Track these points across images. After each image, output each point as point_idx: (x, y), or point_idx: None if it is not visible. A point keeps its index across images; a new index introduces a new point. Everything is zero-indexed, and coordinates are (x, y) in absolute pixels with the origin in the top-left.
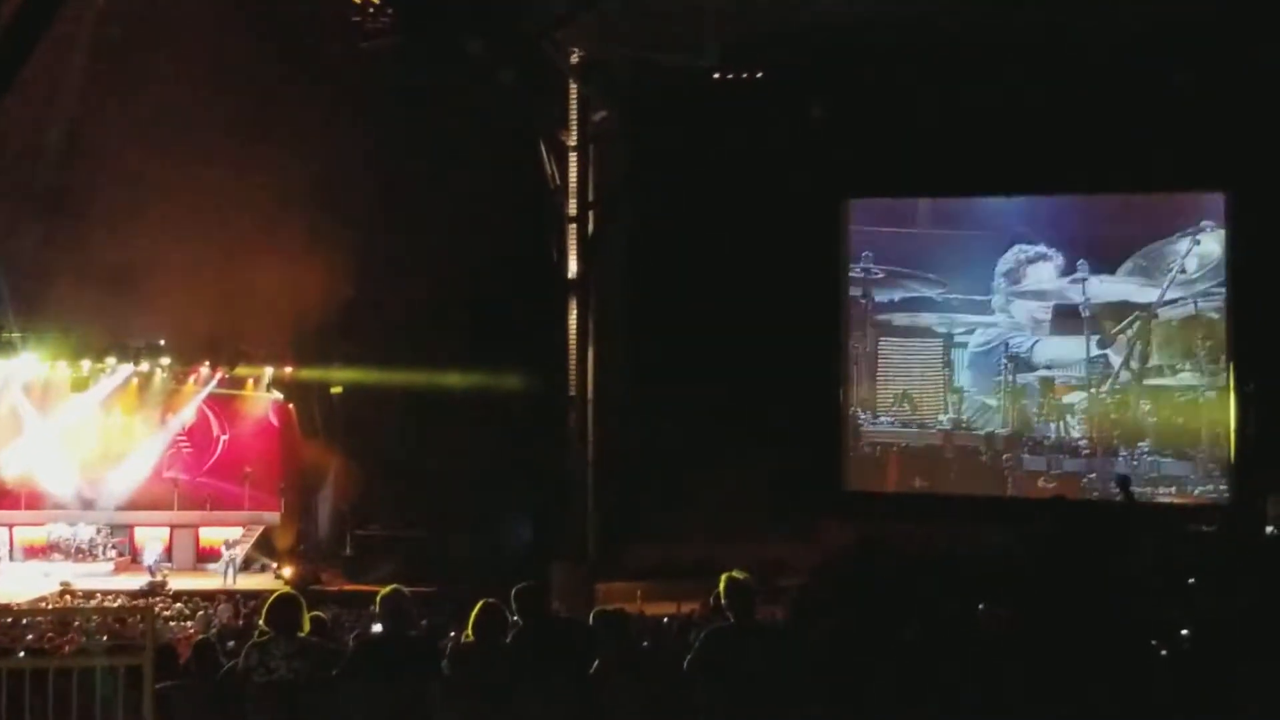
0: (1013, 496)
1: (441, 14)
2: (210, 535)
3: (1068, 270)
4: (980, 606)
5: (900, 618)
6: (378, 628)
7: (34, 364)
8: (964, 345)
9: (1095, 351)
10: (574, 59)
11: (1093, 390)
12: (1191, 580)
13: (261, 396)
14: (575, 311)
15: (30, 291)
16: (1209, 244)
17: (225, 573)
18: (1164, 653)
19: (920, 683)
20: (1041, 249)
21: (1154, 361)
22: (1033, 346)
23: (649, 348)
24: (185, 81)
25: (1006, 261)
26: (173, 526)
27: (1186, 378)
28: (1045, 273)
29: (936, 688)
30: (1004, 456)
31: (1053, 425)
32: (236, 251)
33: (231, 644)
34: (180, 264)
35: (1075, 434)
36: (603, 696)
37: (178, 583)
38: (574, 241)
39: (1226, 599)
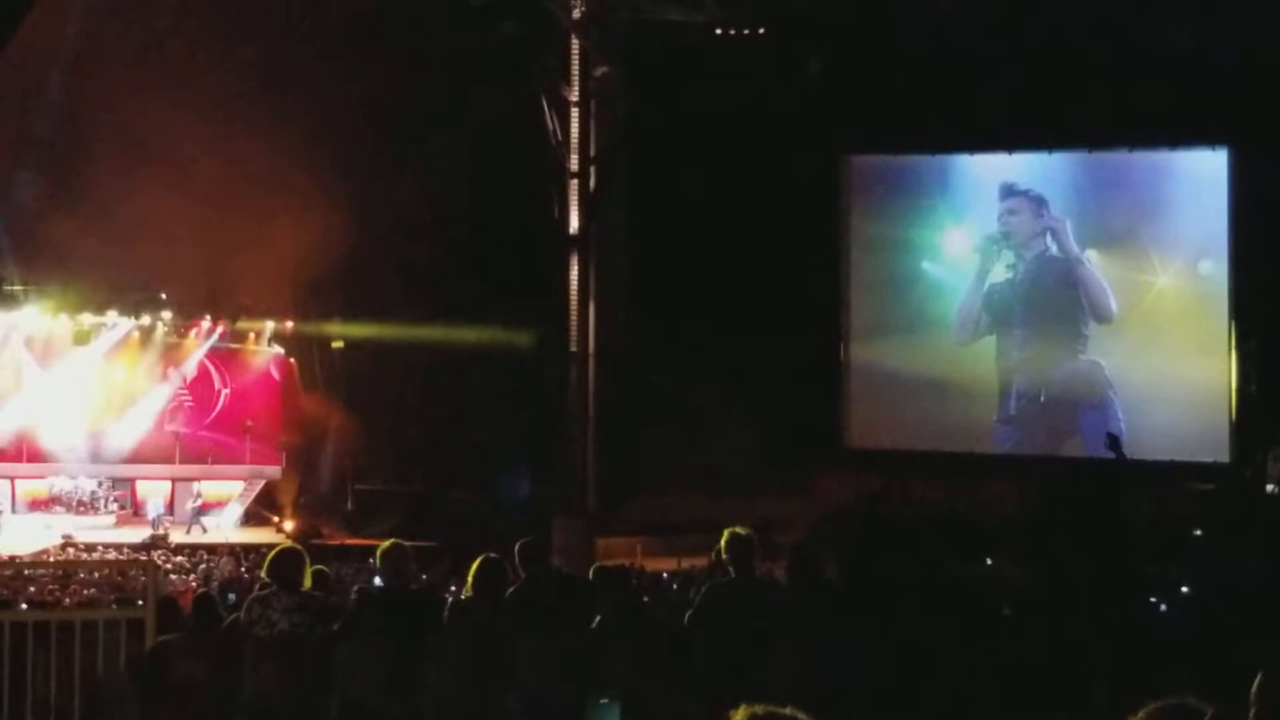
0: (1013, 454)
1: None
2: (211, 489)
3: (1067, 225)
4: (988, 561)
5: (902, 574)
6: (378, 582)
7: (36, 317)
8: (956, 294)
9: (1094, 305)
10: (576, 13)
11: (1091, 345)
12: (1197, 532)
13: (263, 350)
14: (576, 266)
15: (31, 244)
16: (1210, 199)
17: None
18: (1163, 608)
19: (921, 640)
20: (1040, 204)
21: (1154, 317)
22: (1032, 301)
23: (649, 303)
24: (185, 33)
25: (1004, 216)
26: (174, 480)
27: (1187, 334)
28: (1044, 228)
29: (937, 645)
30: (1001, 412)
31: (1052, 381)
32: (237, 205)
33: (233, 597)
34: (181, 217)
35: (1073, 390)
36: (603, 651)
37: (179, 536)
38: (575, 196)
39: (1227, 555)
